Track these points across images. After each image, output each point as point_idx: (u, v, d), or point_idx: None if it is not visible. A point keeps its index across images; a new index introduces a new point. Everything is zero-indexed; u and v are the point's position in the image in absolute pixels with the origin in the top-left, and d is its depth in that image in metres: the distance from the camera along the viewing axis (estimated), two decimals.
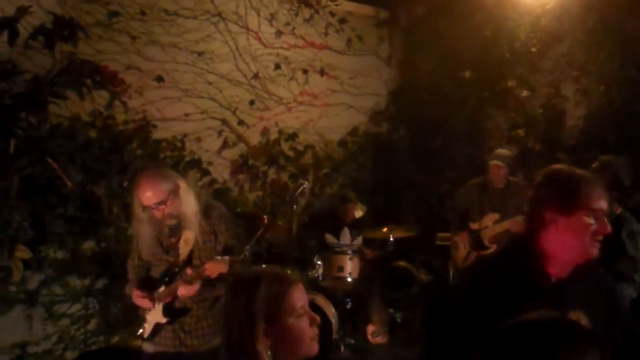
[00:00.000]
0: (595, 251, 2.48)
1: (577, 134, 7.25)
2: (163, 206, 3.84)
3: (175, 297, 3.98)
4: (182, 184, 3.98)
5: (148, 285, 4.09)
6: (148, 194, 3.82)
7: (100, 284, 6.62)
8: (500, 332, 1.68)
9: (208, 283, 3.94)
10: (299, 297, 2.22)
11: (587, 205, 2.45)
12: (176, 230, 3.98)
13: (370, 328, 4.27)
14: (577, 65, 7.30)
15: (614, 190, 4.63)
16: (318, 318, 2.28)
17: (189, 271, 3.91)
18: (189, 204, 3.95)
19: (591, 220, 2.45)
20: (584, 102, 7.24)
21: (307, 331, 2.21)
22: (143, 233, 4.00)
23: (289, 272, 2.32)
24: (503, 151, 6.66)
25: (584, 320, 2.46)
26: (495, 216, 6.45)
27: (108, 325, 6.66)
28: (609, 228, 2.47)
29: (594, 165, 4.75)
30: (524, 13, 7.68)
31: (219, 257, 3.83)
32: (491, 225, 6.43)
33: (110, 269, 6.43)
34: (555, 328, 1.64)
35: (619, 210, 4.52)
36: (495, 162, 6.44)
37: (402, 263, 3.92)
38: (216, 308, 4.09)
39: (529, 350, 1.59)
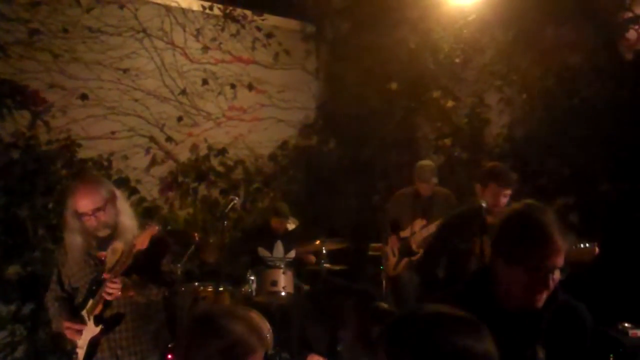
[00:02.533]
0: (537, 303, 2.37)
1: (502, 142, 7.41)
2: (100, 212, 3.74)
3: (105, 304, 3.82)
4: (119, 194, 3.92)
5: (75, 316, 3.94)
6: (85, 201, 3.72)
7: (27, 309, 6.44)
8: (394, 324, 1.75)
9: (139, 284, 3.82)
10: None
11: (529, 261, 2.33)
12: (105, 243, 3.87)
13: (314, 358, 4.28)
14: (500, 75, 7.46)
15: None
16: None
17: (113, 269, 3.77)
18: (126, 213, 3.88)
19: (528, 276, 2.33)
20: (507, 110, 7.40)
21: None
22: (75, 244, 3.85)
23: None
24: (426, 165, 6.75)
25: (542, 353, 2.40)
26: (422, 222, 6.55)
27: (36, 352, 6.47)
28: (551, 285, 2.34)
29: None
30: (447, 25, 7.83)
31: (147, 225, 3.75)
32: (418, 231, 6.54)
33: (37, 294, 6.22)
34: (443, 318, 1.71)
35: None
36: (417, 179, 6.61)
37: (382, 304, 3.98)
38: (153, 325, 4.00)
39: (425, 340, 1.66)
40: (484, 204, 4.54)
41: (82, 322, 3.87)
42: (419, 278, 5.66)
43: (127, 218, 3.89)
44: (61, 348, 6.13)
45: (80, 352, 3.88)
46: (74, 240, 3.86)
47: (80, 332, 3.85)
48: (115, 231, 3.84)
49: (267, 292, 6.54)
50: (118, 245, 3.81)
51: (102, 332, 3.83)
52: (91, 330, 3.84)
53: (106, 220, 3.79)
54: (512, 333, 2.35)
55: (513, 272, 2.37)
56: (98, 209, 3.73)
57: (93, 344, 3.86)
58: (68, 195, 3.85)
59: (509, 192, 4.64)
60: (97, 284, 3.81)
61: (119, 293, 3.70)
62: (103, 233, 3.84)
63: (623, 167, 6.11)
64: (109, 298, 3.72)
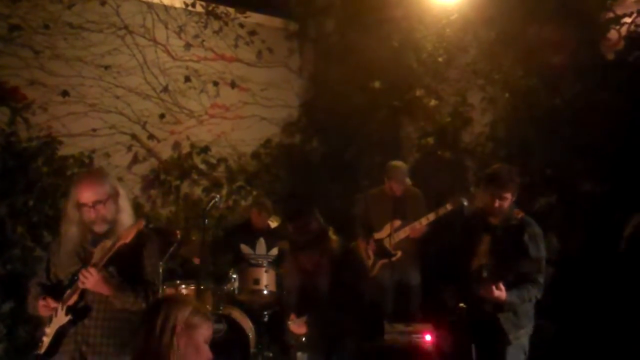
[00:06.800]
0: None
1: (484, 141, 7.44)
2: (100, 205, 3.75)
3: (80, 295, 3.77)
4: (123, 193, 3.93)
5: (54, 295, 3.90)
6: (87, 192, 3.74)
7: (6, 307, 6.37)
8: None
9: (121, 286, 3.79)
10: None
11: None
12: (100, 240, 3.84)
13: (292, 316, 4.41)
14: (482, 74, 7.49)
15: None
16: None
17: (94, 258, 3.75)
18: (126, 212, 3.89)
19: None
20: (489, 109, 7.44)
21: None
22: (68, 234, 3.84)
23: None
24: (399, 165, 6.79)
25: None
26: (397, 223, 6.58)
27: (16, 350, 6.40)
28: None
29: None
30: (430, 24, 7.85)
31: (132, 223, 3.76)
32: (393, 233, 6.56)
33: (17, 292, 6.18)
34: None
35: (520, 214, 4.66)
36: (390, 179, 6.65)
37: None
38: (125, 330, 3.94)
39: None
40: (465, 202, 4.56)
41: (56, 302, 3.81)
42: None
43: (127, 217, 3.89)
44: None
45: (46, 340, 3.82)
46: (69, 230, 3.85)
47: (54, 310, 3.81)
48: (112, 228, 3.83)
49: (249, 290, 6.51)
50: (107, 243, 3.79)
51: (69, 323, 3.78)
52: (60, 319, 3.79)
53: (105, 214, 3.79)
54: None
55: None
56: (99, 202, 3.75)
57: (59, 334, 3.81)
58: (72, 186, 3.89)
59: (507, 195, 4.61)
60: (78, 276, 3.79)
61: (92, 283, 3.67)
62: (99, 228, 3.82)
63: (605, 167, 6.15)
64: (81, 285, 3.69)
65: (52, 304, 3.81)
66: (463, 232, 4.91)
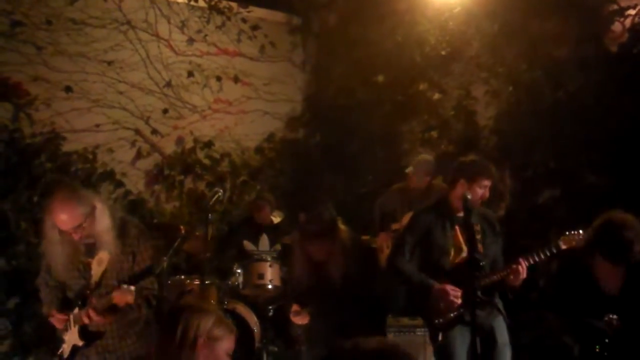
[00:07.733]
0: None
1: (488, 134, 7.42)
2: (80, 228, 3.71)
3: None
4: (98, 204, 3.84)
5: (66, 307, 3.94)
6: (63, 218, 3.67)
7: (11, 303, 6.40)
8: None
9: (119, 310, 3.81)
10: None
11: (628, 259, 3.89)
12: (93, 249, 3.84)
13: (295, 307, 4.43)
14: (486, 67, 7.46)
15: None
16: None
17: (93, 300, 3.77)
18: (104, 223, 3.82)
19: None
20: (493, 102, 7.42)
21: None
22: (55, 254, 3.85)
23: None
24: (423, 159, 6.79)
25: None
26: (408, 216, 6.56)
27: (22, 345, 6.43)
28: None
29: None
30: (432, 17, 7.82)
31: (125, 286, 3.67)
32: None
33: (22, 288, 6.21)
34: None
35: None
36: (414, 172, 6.68)
37: None
38: (139, 325, 3.99)
39: None
40: (468, 196, 4.49)
41: (68, 319, 3.90)
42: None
43: (104, 228, 3.82)
44: (47, 341, 6.11)
45: (66, 348, 3.91)
46: (54, 251, 3.85)
47: (61, 319, 3.90)
48: (97, 240, 3.82)
49: (254, 285, 6.52)
50: (103, 255, 3.81)
51: (84, 346, 3.89)
52: (75, 338, 3.88)
53: (88, 232, 3.76)
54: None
55: (609, 266, 3.75)
56: (78, 227, 3.70)
57: (76, 350, 3.91)
58: (47, 211, 3.79)
59: (490, 183, 4.58)
60: (83, 299, 3.84)
61: (95, 323, 3.79)
62: (89, 240, 3.83)
63: (609, 160, 6.14)
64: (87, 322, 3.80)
65: (63, 317, 3.91)
66: (422, 228, 4.73)
